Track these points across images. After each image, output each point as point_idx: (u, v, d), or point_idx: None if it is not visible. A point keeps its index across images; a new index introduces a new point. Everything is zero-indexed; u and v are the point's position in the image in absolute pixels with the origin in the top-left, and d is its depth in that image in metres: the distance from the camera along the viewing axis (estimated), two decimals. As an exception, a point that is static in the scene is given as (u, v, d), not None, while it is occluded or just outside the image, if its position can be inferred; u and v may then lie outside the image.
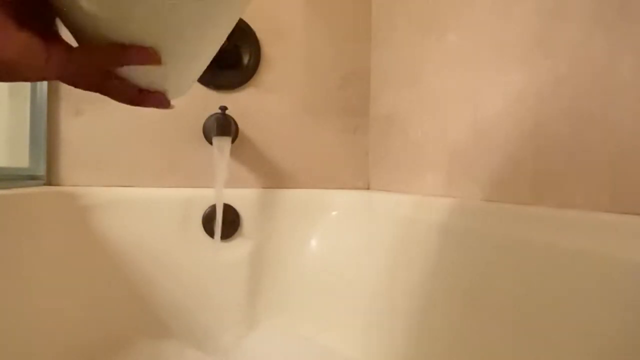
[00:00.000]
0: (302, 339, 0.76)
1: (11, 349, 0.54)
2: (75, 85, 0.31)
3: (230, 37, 0.92)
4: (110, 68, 0.30)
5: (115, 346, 0.69)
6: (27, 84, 0.80)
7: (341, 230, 0.87)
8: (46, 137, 0.81)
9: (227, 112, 0.83)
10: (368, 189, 0.98)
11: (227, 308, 0.80)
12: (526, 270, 0.42)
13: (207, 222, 0.83)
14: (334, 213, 0.89)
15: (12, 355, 0.54)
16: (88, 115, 0.83)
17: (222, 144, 0.79)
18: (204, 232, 0.83)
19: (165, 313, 0.77)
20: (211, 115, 0.86)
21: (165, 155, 0.87)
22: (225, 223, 0.80)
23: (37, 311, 0.62)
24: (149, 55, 0.29)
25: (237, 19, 0.32)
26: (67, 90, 0.83)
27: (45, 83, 0.80)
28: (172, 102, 0.37)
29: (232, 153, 0.84)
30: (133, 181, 0.85)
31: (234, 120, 0.85)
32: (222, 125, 0.80)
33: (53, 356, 0.61)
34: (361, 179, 0.98)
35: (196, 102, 0.87)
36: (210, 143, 0.87)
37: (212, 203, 0.83)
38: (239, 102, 0.89)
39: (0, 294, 0.55)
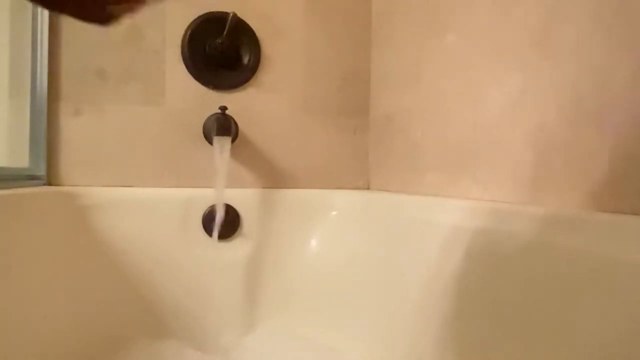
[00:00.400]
0: (302, 338, 0.76)
1: (10, 350, 0.54)
2: None
3: (230, 37, 0.91)
4: None
5: (115, 346, 0.69)
6: (27, 82, 0.80)
7: (341, 230, 0.87)
8: (46, 137, 0.81)
9: (227, 112, 0.83)
10: (368, 189, 0.98)
11: (227, 308, 0.80)
12: (526, 270, 0.42)
13: (207, 222, 0.83)
14: (334, 213, 0.89)
15: (11, 356, 0.54)
16: (88, 115, 0.83)
17: (222, 144, 0.79)
18: (204, 232, 0.83)
19: (165, 313, 0.77)
20: (211, 115, 0.86)
21: (165, 155, 0.87)
22: (225, 223, 0.80)
23: (36, 311, 0.62)
24: None
25: None
26: (67, 91, 0.83)
27: (45, 82, 0.80)
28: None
29: (232, 153, 0.84)
30: (133, 181, 0.85)
31: (234, 120, 0.85)
32: (222, 125, 0.80)
33: (53, 356, 0.61)
34: (361, 179, 0.98)
35: (196, 102, 0.88)
36: (210, 143, 0.87)
37: (212, 203, 0.83)
38: (239, 102, 0.89)
39: (0, 293, 0.55)
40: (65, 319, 0.67)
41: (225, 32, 0.85)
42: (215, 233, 0.78)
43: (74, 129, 0.83)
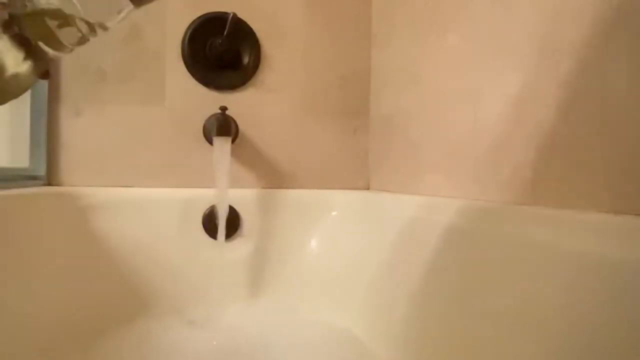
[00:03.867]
0: (302, 337, 0.76)
1: (9, 350, 0.54)
2: None
3: (230, 37, 0.91)
4: None
5: (114, 343, 0.69)
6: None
7: (341, 230, 0.87)
8: (46, 137, 0.81)
9: (227, 112, 0.83)
10: (368, 189, 0.98)
11: (226, 308, 0.80)
12: (526, 270, 0.42)
13: (207, 223, 0.83)
14: (334, 213, 0.89)
15: (10, 356, 0.54)
16: (88, 115, 0.84)
17: (222, 144, 0.79)
18: (204, 233, 0.83)
19: (164, 313, 0.77)
20: (211, 116, 0.86)
21: (165, 155, 0.87)
22: (226, 223, 0.80)
23: (36, 311, 0.62)
24: None
25: None
26: (67, 91, 0.83)
27: (45, 83, 0.80)
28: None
29: (232, 153, 0.84)
30: (133, 181, 0.85)
31: (234, 120, 0.85)
32: (222, 125, 0.80)
33: (50, 351, 0.61)
34: (361, 179, 0.98)
35: (196, 102, 0.88)
36: (210, 143, 0.87)
37: (212, 203, 0.83)
38: (239, 102, 0.89)
39: (0, 294, 0.55)
40: (65, 319, 0.67)
41: (225, 32, 0.85)
42: (222, 234, 0.77)
43: (74, 129, 0.83)
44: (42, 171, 0.80)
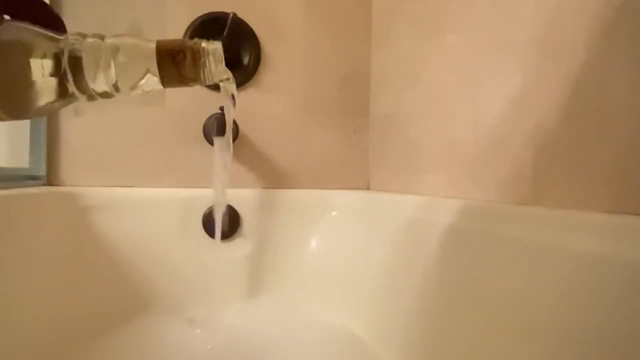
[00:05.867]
0: (302, 337, 0.76)
1: (9, 351, 0.54)
2: None
3: (230, 37, 0.92)
4: None
5: (114, 343, 0.69)
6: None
7: (341, 230, 0.87)
8: (46, 137, 0.81)
9: (227, 112, 0.83)
10: (368, 189, 0.98)
11: (226, 308, 0.80)
12: (526, 270, 0.42)
13: (207, 223, 0.83)
14: (334, 213, 0.89)
15: (10, 357, 0.54)
16: (88, 115, 0.83)
17: (222, 144, 0.79)
18: (204, 233, 0.83)
19: (164, 312, 0.77)
20: (211, 116, 0.86)
21: (165, 155, 0.87)
22: (225, 223, 0.80)
23: (36, 312, 0.62)
24: None
25: None
26: (67, 91, 0.83)
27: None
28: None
29: (232, 153, 0.84)
30: (133, 181, 0.85)
31: (234, 120, 0.85)
32: (222, 125, 0.80)
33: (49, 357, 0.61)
34: (361, 179, 0.98)
35: (196, 102, 0.88)
36: (211, 143, 0.87)
37: (212, 203, 0.83)
38: (239, 102, 0.89)
39: (0, 293, 0.55)
40: (64, 319, 0.67)
41: (225, 32, 0.85)
42: (219, 235, 0.77)
43: (74, 129, 0.83)
44: (42, 171, 0.80)
